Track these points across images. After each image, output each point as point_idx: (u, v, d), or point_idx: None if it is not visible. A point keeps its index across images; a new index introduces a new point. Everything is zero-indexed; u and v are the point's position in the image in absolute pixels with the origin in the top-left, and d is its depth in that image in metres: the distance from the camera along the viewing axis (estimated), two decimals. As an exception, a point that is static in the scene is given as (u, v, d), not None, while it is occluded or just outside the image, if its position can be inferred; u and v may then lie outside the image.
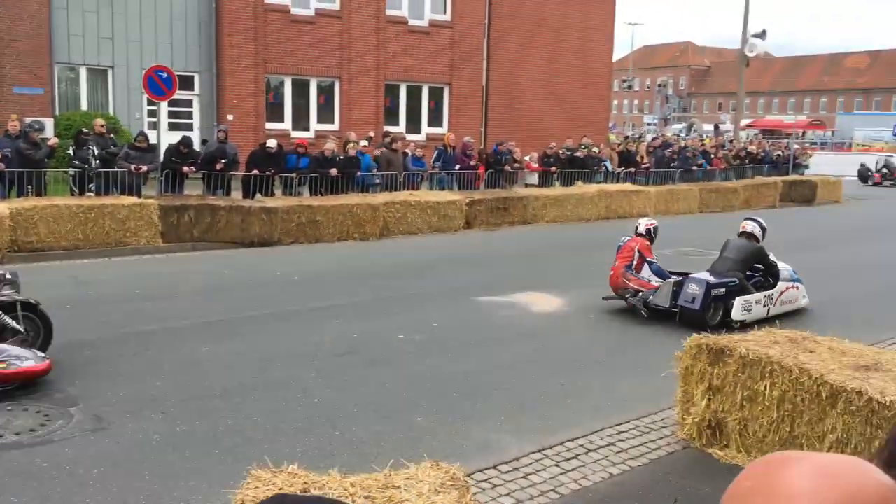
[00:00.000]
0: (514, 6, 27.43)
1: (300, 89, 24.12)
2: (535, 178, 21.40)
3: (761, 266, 10.09)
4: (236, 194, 16.28)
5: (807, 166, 31.25)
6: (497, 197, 18.40)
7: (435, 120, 26.42)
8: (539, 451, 5.78)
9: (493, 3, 27.02)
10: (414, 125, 25.92)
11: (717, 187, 23.80)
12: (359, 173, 17.35)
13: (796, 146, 35.45)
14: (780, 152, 31.48)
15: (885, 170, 35.61)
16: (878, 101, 78.94)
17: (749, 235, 10.18)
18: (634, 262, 10.34)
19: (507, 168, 20.54)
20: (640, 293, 10.00)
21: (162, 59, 20.20)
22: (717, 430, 5.87)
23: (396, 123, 25.18)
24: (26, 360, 6.53)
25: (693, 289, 9.44)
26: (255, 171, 16.23)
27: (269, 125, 23.02)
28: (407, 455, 5.08)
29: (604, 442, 6.01)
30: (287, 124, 23.77)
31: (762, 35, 33.95)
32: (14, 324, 6.97)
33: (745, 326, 8.85)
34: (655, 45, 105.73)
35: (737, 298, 9.47)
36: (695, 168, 25.10)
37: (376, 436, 6.04)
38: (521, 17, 27.63)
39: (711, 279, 9.54)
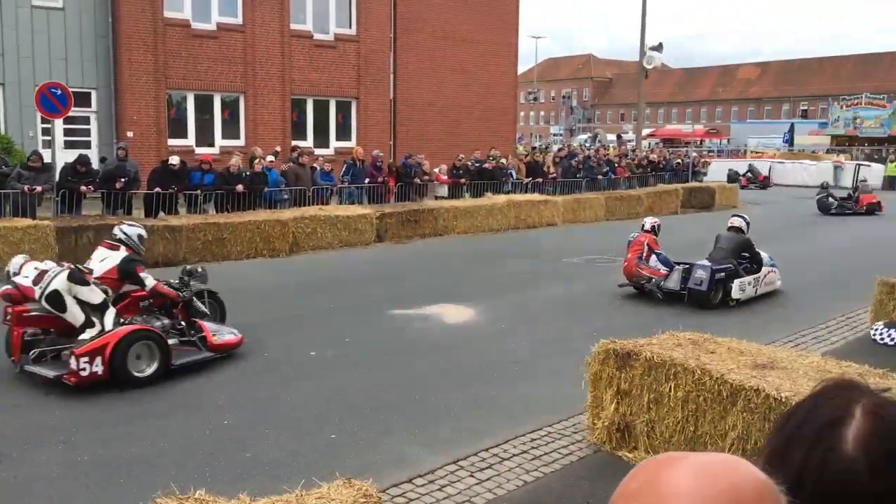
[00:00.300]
0: (419, 20, 27.61)
1: (203, 104, 23.61)
2: (444, 191, 21.53)
3: (747, 254, 11.80)
4: (138, 213, 15.76)
5: (705, 173, 32.51)
6: (407, 210, 18.42)
7: (343, 134, 26.28)
8: (453, 462, 5.79)
9: (399, 17, 27.13)
10: (322, 139, 25.71)
11: (621, 195, 24.47)
12: (266, 189, 17.08)
13: (695, 154, 36.87)
14: (679, 160, 32.66)
15: (749, 174, 37.96)
16: (769, 109, 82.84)
17: (737, 229, 12.04)
18: (644, 254, 11.90)
19: (417, 181, 20.60)
20: (653, 279, 11.67)
21: (56, 76, 19.45)
22: (626, 433, 6.01)
23: (304, 138, 24.92)
24: (229, 333, 8.49)
25: (700, 273, 11.10)
26: (157, 189, 15.76)
27: (172, 142, 22.42)
28: (320, 474, 5.01)
29: (517, 450, 6.07)
30: (191, 140, 23.21)
31: (659, 48, 35.17)
32: (203, 307, 8.66)
33: (740, 304, 11.26)
34: (559, 57, 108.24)
35: (735, 281, 11.23)
36: (600, 177, 25.77)
37: (289, 456, 5.94)
38: (427, 31, 27.83)
39: (714, 265, 11.16)
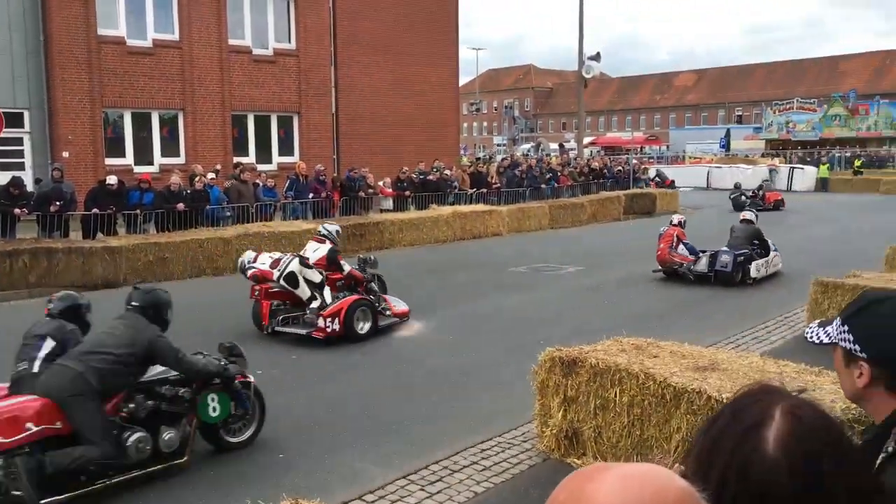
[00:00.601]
0: (359, 34, 27.60)
1: (141, 122, 23.21)
2: (389, 203, 21.53)
3: (757, 241, 14.01)
4: (76, 235, 15.42)
5: (645, 180, 33.12)
6: (353, 223, 18.35)
7: (285, 149, 26.09)
8: (404, 476, 5.77)
9: (339, 31, 27.09)
10: (264, 155, 25.47)
11: (564, 204, 24.76)
12: (208, 207, 16.85)
13: (635, 161, 37.55)
14: (620, 167, 33.23)
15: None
16: (706, 115, 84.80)
17: (748, 221, 14.54)
18: (674, 244, 14.10)
19: (362, 194, 20.55)
20: (684, 265, 13.82)
21: (-15, 96, 18.92)
22: (574, 440, 6.06)
23: (246, 154, 24.69)
24: (403, 304, 10.74)
25: (725, 258, 13.36)
26: (94, 210, 15.43)
27: (110, 161, 21.97)
28: (268, 494, 4.96)
29: (467, 461, 6.07)
30: (129, 159, 22.77)
31: (597, 57, 35.75)
32: (376, 287, 10.65)
33: (756, 282, 13.23)
34: (499, 68, 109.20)
35: (752, 263, 13.49)
36: (543, 186, 26.05)
37: (236, 477, 5.84)
38: (367, 44, 27.84)
39: (735, 251, 13.36)
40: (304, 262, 9.87)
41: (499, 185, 24.79)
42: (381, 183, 21.64)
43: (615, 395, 5.76)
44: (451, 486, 5.63)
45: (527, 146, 66.61)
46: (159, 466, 5.71)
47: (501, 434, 6.61)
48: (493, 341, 9.88)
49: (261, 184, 18.90)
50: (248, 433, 6.40)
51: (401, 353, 9.49)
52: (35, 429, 5.13)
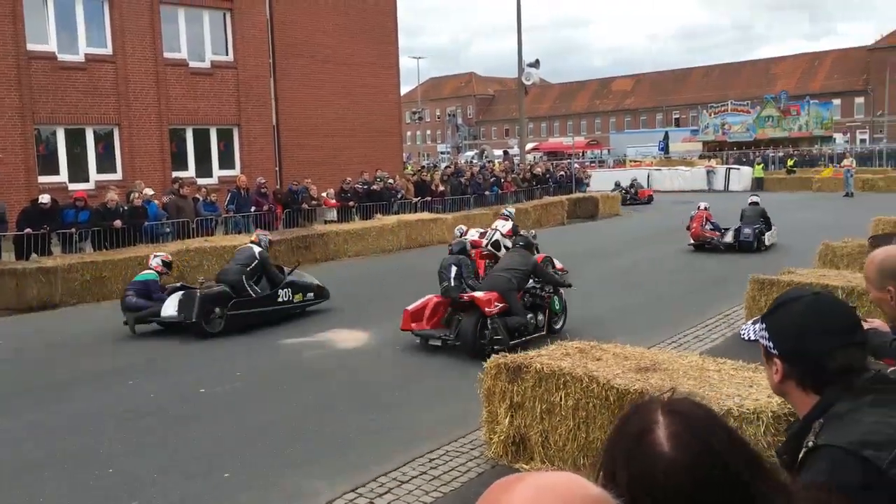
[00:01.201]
0: (298, 45, 27.38)
1: (75, 139, 22.62)
2: (333, 214, 21.38)
3: (763, 219, 18.02)
4: (8, 256, 14.95)
5: (587, 184, 33.56)
6: (297, 236, 18.18)
7: (226, 162, 25.71)
8: (352, 490, 5.71)
9: (277, 43, 26.83)
10: (204, 169, 25.05)
11: (509, 210, 24.89)
12: (146, 223, 16.50)
13: (577, 166, 38.03)
14: (563, 172, 33.59)
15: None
16: (644, 119, 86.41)
17: (755, 203, 18.49)
18: (704, 223, 18.23)
19: (305, 206, 20.38)
20: (714, 239, 17.92)
21: None
22: (522, 445, 6.08)
23: (185, 168, 24.25)
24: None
25: (747, 231, 17.59)
26: (27, 230, 14.98)
27: (43, 179, 21.36)
28: (212, 517, 4.86)
29: (416, 472, 6.04)
30: (63, 177, 22.17)
31: (536, 64, 36.16)
32: None
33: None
34: (441, 76, 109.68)
35: (766, 234, 17.84)
36: (487, 193, 26.18)
37: (180, 500, 5.71)
38: (306, 55, 27.63)
39: (753, 227, 17.60)
40: (503, 233, 12.35)
41: (443, 192, 24.83)
42: (324, 194, 21.48)
43: (560, 399, 5.79)
44: (399, 498, 5.60)
45: (471, 153, 66.89)
46: (532, 336, 9.60)
47: (450, 443, 6.59)
48: (440, 350, 9.86)
49: (201, 198, 18.60)
50: (560, 324, 10.40)
51: (347, 366, 9.41)
52: (499, 305, 9.40)
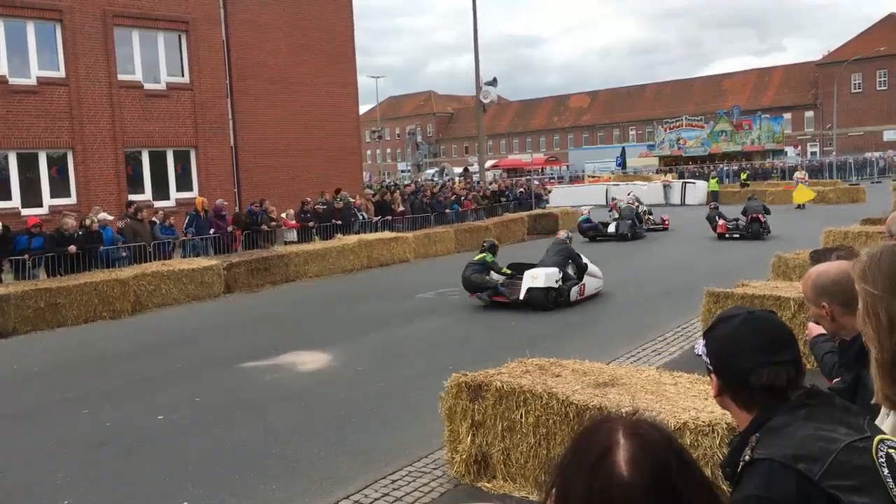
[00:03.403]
0: (254, 66, 27.26)
1: (28, 163, 22.24)
2: (293, 235, 21.27)
3: (765, 210, 23.58)
4: (-42, 285, 14.59)
5: (547, 200, 33.83)
6: (257, 258, 18.03)
7: (184, 184, 25.45)
8: (314, 515, 5.66)
9: (234, 64, 26.69)
10: (161, 191, 24.77)
11: (469, 227, 24.98)
12: (102, 248, 16.25)
13: (536, 182, 38.34)
14: (522, 189, 33.82)
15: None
16: (601, 135, 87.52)
17: (754, 199, 24.18)
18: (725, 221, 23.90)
19: (265, 227, 20.26)
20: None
21: None
22: (484, 464, 6.08)
23: (142, 191, 23.97)
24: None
25: (755, 225, 22.87)
26: (-22, 258, 14.67)
27: (-5, 204, 20.97)
28: (170, 547, 4.79)
29: (378, 494, 6.01)
30: (15, 202, 21.76)
31: (493, 83, 36.45)
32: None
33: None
34: (400, 95, 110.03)
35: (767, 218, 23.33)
36: (448, 211, 26.27)
37: (137, 531, 5.61)
38: (263, 77, 27.52)
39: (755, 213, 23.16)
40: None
41: (404, 211, 24.86)
42: (283, 215, 21.37)
43: (521, 417, 5.82)
44: (361, 521, 5.56)
45: (431, 171, 67.08)
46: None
47: (412, 463, 6.57)
48: (402, 369, 9.85)
49: (158, 221, 18.39)
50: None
51: (307, 388, 9.34)
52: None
